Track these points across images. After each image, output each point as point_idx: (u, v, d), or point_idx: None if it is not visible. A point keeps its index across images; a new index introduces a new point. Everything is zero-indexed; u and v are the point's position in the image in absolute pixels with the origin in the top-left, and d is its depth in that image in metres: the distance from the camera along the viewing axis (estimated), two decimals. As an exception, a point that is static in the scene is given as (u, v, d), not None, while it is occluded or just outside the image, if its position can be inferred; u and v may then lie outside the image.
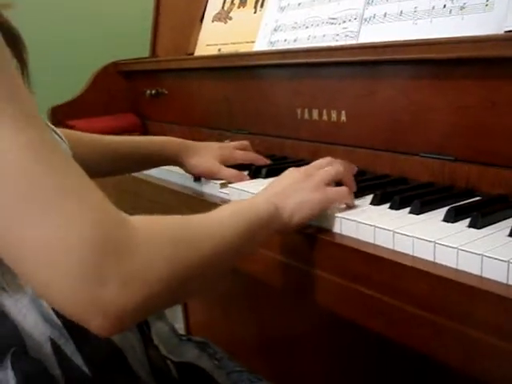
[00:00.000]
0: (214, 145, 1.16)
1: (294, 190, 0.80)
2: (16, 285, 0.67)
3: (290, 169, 0.86)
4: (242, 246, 0.70)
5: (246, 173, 1.12)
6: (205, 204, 1.06)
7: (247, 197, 0.97)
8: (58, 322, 0.68)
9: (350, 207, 0.84)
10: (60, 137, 0.79)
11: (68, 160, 0.54)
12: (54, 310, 0.68)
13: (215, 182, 1.09)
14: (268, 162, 1.17)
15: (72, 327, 0.69)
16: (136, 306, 0.51)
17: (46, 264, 0.49)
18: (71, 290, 0.49)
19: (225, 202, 1.01)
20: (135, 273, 0.51)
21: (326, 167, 0.86)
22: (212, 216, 0.68)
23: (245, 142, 1.21)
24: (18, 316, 0.66)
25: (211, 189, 1.10)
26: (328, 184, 0.83)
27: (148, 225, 0.57)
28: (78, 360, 0.69)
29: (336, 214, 0.81)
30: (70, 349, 0.69)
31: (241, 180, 1.08)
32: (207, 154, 1.11)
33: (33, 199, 0.49)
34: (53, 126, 0.78)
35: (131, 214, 0.57)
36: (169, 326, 0.92)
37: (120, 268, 0.50)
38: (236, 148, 1.17)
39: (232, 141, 1.33)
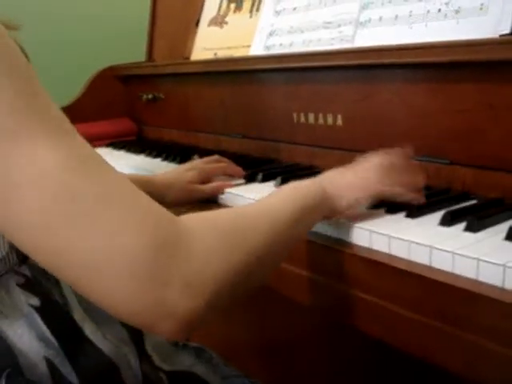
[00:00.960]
0: (183, 170, 1.13)
1: (355, 177, 0.80)
2: (12, 306, 0.66)
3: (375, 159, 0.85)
4: (295, 230, 0.69)
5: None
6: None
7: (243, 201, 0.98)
8: (54, 340, 0.68)
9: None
10: None
11: (107, 166, 0.53)
12: (49, 328, 0.68)
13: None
14: (242, 173, 1.16)
15: (68, 346, 0.68)
16: (202, 305, 0.51)
17: (109, 274, 0.48)
18: (136, 296, 0.48)
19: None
20: (196, 272, 0.51)
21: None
22: (264, 204, 0.68)
23: (214, 157, 1.20)
24: (13, 337, 0.65)
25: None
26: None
27: (200, 223, 0.56)
28: (73, 379, 0.68)
29: (332, 219, 0.81)
30: (65, 368, 0.68)
31: (223, 188, 1.08)
32: (181, 184, 1.09)
33: (82, 214, 0.48)
34: None
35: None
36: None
37: (181, 268, 0.50)
38: (206, 163, 1.16)
39: (229, 144, 1.34)
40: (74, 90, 1.89)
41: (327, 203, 0.76)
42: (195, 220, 0.57)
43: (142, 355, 0.82)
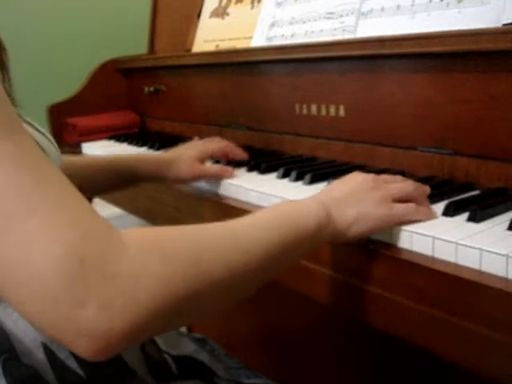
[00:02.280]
0: (184, 149, 1.13)
1: (357, 199, 0.71)
2: None
3: (356, 173, 0.77)
4: (275, 262, 0.60)
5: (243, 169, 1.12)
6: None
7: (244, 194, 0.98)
8: None
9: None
10: (49, 140, 0.78)
11: (51, 170, 0.49)
12: None
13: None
14: (245, 155, 1.16)
15: None
16: (121, 328, 0.46)
17: (24, 282, 0.45)
18: (48, 311, 0.45)
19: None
20: (118, 294, 0.45)
21: (396, 183, 0.77)
22: (236, 224, 0.59)
23: (216, 138, 1.21)
24: (8, 322, 0.65)
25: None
26: (395, 201, 0.73)
27: (140, 239, 0.50)
28: (72, 364, 0.68)
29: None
30: (63, 353, 0.68)
31: (227, 172, 1.07)
32: (182, 160, 1.09)
33: (14, 213, 0.45)
34: (43, 130, 0.77)
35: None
36: None
37: (101, 288, 0.45)
38: (207, 142, 1.17)
39: (232, 136, 1.33)
40: (77, 82, 1.88)
41: (330, 230, 0.68)
42: (136, 236, 0.50)
43: (148, 341, 0.82)
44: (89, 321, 0.44)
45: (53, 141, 0.79)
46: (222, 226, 0.58)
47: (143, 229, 0.52)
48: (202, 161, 1.10)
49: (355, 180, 0.74)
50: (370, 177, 0.75)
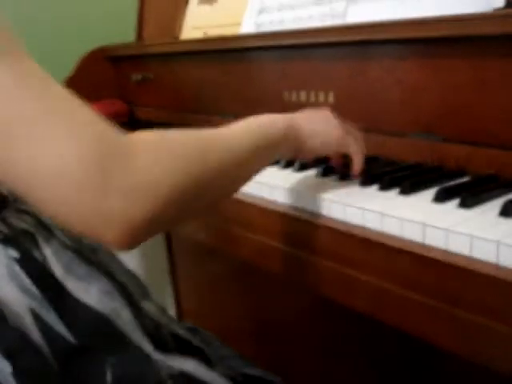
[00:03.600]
0: None
1: (319, 121, 0.82)
2: None
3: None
4: (250, 163, 0.69)
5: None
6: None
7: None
8: (37, 292, 0.67)
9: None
10: None
11: (53, 82, 0.53)
12: (31, 280, 0.67)
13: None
14: None
15: (52, 298, 0.68)
16: (141, 215, 0.51)
17: (49, 183, 0.49)
18: (76, 205, 0.49)
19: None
20: (136, 183, 0.51)
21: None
22: (224, 130, 0.68)
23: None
24: None
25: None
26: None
27: (150, 137, 0.56)
28: (61, 329, 0.68)
29: (323, 197, 0.80)
30: (51, 319, 0.68)
31: None
32: None
33: (34, 115, 0.49)
34: None
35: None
36: (157, 306, 0.91)
37: (120, 179, 0.50)
38: None
39: (221, 124, 1.32)
40: (64, 71, 1.87)
41: (293, 141, 0.78)
42: (146, 134, 0.56)
43: (140, 312, 0.81)
44: (112, 210, 0.50)
45: None
46: (217, 132, 0.66)
47: (154, 131, 0.58)
48: None
49: (321, 111, 0.87)
50: (330, 112, 0.86)
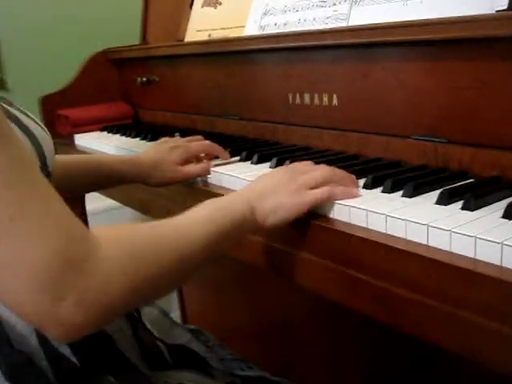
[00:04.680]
0: (166, 149, 1.11)
1: (273, 192, 0.79)
2: None
3: (278, 168, 0.87)
4: (210, 251, 0.70)
5: (237, 158, 1.12)
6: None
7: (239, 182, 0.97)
8: None
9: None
10: (43, 129, 0.77)
11: (31, 172, 0.54)
12: None
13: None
14: (226, 154, 1.15)
15: None
16: (93, 319, 0.54)
17: (8, 279, 0.51)
18: (30, 303, 0.51)
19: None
20: (91, 290, 0.53)
21: (312, 171, 0.83)
22: (181, 222, 0.68)
23: (197, 137, 1.20)
24: (1, 308, 0.65)
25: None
26: (312, 188, 0.80)
27: (110, 240, 0.57)
28: (65, 351, 0.69)
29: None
30: (56, 340, 0.68)
31: (206, 171, 1.07)
32: (165, 165, 1.08)
33: (4, 217, 0.50)
34: (36, 119, 0.77)
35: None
36: (158, 310, 0.92)
37: (77, 285, 0.52)
38: (188, 142, 1.15)
39: (225, 126, 1.33)
40: (69, 74, 1.87)
41: (252, 221, 0.77)
42: (106, 236, 0.57)
43: (141, 327, 0.82)
44: (65, 314, 0.51)
45: (45, 129, 0.79)
46: (176, 223, 0.68)
47: (114, 229, 0.61)
48: (185, 162, 1.09)
49: (275, 174, 0.83)
50: (289, 170, 0.84)
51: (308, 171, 0.83)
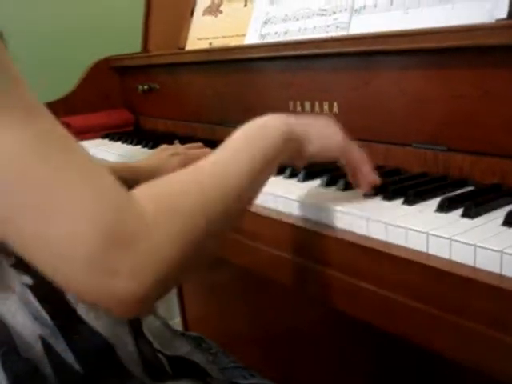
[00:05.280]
0: (166, 156, 1.11)
1: (316, 123, 0.79)
2: (4, 284, 0.67)
3: None
4: (253, 184, 0.66)
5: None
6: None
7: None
8: (49, 320, 0.68)
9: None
10: None
11: (72, 147, 0.52)
12: (43, 307, 0.68)
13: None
14: None
15: (63, 325, 0.69)
16: (149, 290, 0.51)
17: (60, 258, 0.49)
18: (84, 281, 0.49)
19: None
20: (144, 261, 0.51)
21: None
22: (219, 162, 0.65)
23: (197, 144, 1.20)
24: (6, 315, 0.66)
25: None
26: None
27: (155, 202, 0.55)
28: (69, 358, 0.69)
29: (328, 207, 0.81)
30: (61, 347, 0.69)
31: None
32: (162, 171, 1.04)
33: (41, 202, 0.48)
34: None
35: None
36: (160, 320, 0.92)
37: (128, 257, 0.50)
38: (188, 149, 1.15)
39: (226, 134, 1.33)
40: (70, 81, 1.88)
41: (293, 145, 0.74)
42: (151, 199, 0.55)
43: (141, 339, 0.82)
44: (121, 288, 0.50)
45: None
46: (212, 169, 0.64)
47: (156, 189, 0.58)
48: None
49: (325, 117, 0.82)
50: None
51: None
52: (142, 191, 0.56)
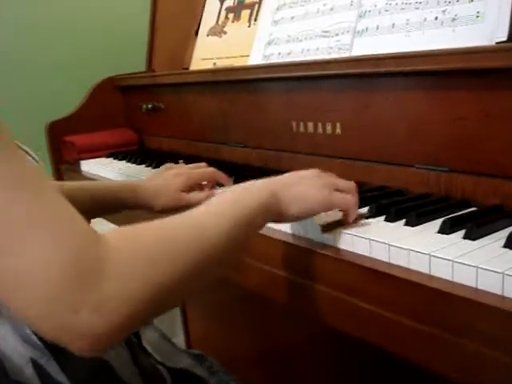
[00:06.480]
0: (170, 176, 1.11)
1: (298, 183, 0.78)
2: None
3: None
4: (231, 245, 0.66)
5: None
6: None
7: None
8: (39, 342, 0.68)
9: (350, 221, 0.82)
10: (34, 158, 0.78)
11: (40, 183, 0.53)
12: (33, 331, 0.68)
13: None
14: (231, 181, 1.15)
15: (54, 347, 0.68)
16: (110, 329, 0.51)
17: (22, 291, 0.49)
18: (46, 316, 0.49)
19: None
20: (107, 298, 0.50)
21: (339, 178, 0.85)
22: (197, 216, 0.65)
23: (201, 164, 1.20)
24: None
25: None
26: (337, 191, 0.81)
27: (122, 244, 0.55)
28: (63, 379, 0.69)
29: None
30: (53, 369, 0.68)
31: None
32: (168, 191, 1.09)
33: (5, 227, 0.48)
34: (36, 157, 0.78)
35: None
36: (158, 333, 0.92)
37: (92, 294, 0.50)
38: (192, 169, 1.16)
39: (230, 154, 1.34)
40: (75, 100, 1.89)
41: (275, 209, 0.75)
42: (118, 240, 0.55)
43: (142, 352, 0.82)
44: (83, 324, 0.49)
45: (36, 157, 0.80)
46: (187, 220, 0.64)
47: (125, 232, 0.58)
48: (188, 189, 1.10)
49: (301, 172, 0.82)
50: (316, 171, 0.83)
51: (335, 177, 0.85)
52: (114, 233, 0.56)
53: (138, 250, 0.55)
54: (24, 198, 0.50)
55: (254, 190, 0.74)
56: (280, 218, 0.77)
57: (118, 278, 0.52)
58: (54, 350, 0.69)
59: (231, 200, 0.70)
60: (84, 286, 0.49)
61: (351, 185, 0.83)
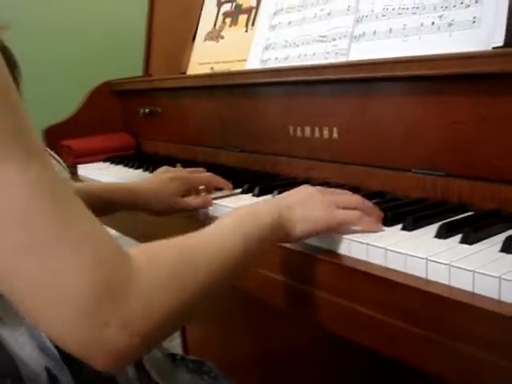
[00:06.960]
0: (167, 179, 1.11)
1: (303, 203, 0.79)
2: (14, 315, 0.67)
3: (305, 185, 0.87)
4: (243, 261, 0.69)
5: (238, 190, 1.13)
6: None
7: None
8: (55, 352, 0.68)
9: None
10: (60, 163, 0.79)
11: (70, 196, 0.53)
12: (50, 340, 0.68)
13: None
14: (230, 185, 1.16)
15: (68, 357, 0.69)
16: (138, 343, 0.52)
17: (50, 308, 0.49)
18: (74, 332, 0.50)
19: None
20: (135, 314, 0.52)
21: (343, 195, 0.86)
22: (213, 234, 0.68)
23: (199, 169, 1.21)
24: (14, 346, 0.66)
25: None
26: (342, 208, 0.81)
27: (148, 262, 0.56)
28: None
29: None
30: (66, 378, 0.69)
31: (208, 204, 1.08)
32: (165, 195, 1.08)
33: (35, 243, 0.49)
34: (50, 151, 0.78)
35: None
36: (162, 352, 0.91)
37: (120, 310, 0.51)
38: (190, 173, 1.16)
39: (227, 158, 1.34)
40: (72, 105, 1.89)
41: (281, 231, 0.76)
42: (145, 257, 0.57)
43: (140, 370, 0.82)
44: (110, 340, 0.51)
45: (63, 164, 0.81)
46: (208, 236, 0.67)
47: (150, 248, 0.60)
48: (185, 193, 1.10)
49: (305, 189, 0.83)
50: (320, 188, 0.85)
51: (338, 194, 0.86)
52: (139, 250, 0.58)
53: (163, 269, 0.57)
54: (55, 208, 0.50)
55: (260, 213, 0.75)
56: (285, 240, 0.79)
57: (145, 296, 0.53)
58: (69, 361, 0.69)
59: (243, 222, 0.72)
60: (113, 303, 0.50)
61: (354, 199, 0.84)
